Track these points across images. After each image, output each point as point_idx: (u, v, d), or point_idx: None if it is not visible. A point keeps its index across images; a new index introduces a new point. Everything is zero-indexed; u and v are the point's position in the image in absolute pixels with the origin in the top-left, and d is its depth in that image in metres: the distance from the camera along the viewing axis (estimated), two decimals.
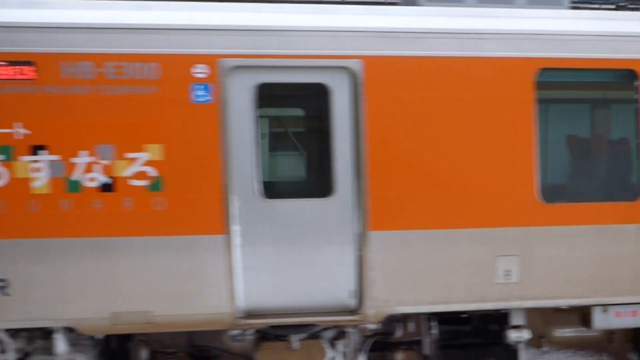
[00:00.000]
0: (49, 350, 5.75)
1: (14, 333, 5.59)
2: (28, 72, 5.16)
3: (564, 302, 5.98)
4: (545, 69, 5.71)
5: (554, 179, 6.03)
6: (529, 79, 5.67)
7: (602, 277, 5.83)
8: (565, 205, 5.85)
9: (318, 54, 5.43)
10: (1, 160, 5.17)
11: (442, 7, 6.07)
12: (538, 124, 5.72)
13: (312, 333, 5.89)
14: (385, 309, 5.69)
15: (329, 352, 5.95)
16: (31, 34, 5.18)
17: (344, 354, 6.02)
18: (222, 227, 5.38)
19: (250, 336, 5.96)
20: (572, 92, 6.29)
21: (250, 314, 5.58)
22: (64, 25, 5.21)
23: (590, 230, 5.77)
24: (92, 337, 5.75)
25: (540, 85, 5.72)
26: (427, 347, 6.21)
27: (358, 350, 6.09)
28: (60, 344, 5.52)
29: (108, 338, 5.90)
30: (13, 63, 5.15)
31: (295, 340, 5.84)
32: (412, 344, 6.23)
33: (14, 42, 5.16)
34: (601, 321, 6.13)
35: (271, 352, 5.84)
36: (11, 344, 5.57)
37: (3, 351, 5.61)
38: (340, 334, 6.04)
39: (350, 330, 6.00)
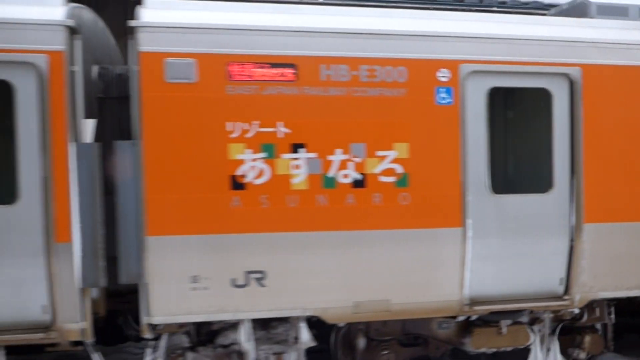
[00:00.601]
0: (270, 340, 6.03)
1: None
2: (288, 74, 5.44)
3: None
4: None
5: None
6: None
7: None
8: None
9: (543, 61, 5.91)
10: (264, 158, 5.44)
11: (614, 19, 6.64)
12: None
13: (516, 318, 6.36)
14: (589, 295, 6.23)
15: (531, 336, 6.44)
16: (292, 38, 5.46)
17: (541, 337, 6.53)
18: (459, 220, 5.80)
19: (453, 323, 6.38)
20: None
21: (473, 301, 6.01)
22: (323, 30, 5.51)
23: None
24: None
25: None
26: (607, 331, 6.79)
27: (550, 333, 6.61)
28: (305, 332, 5.80)
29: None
30: (275, 65, 5.43)
31: (504, 325, 6.30)
32: (593, 328, 6.79)
33: (275, 46, 5.43)
34: None
35: (484, 337, 6.28)
36: (255, 334, 5.82)
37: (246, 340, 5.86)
38: (534, 319, 6.54)
39: (545, 315, 6.50)
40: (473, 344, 6.31)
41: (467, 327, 6.35)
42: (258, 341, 6.02)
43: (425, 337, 6.52)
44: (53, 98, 5.10)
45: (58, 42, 5.11)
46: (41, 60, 5.07)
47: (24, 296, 5.22)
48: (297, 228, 5.53)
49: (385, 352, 6.38)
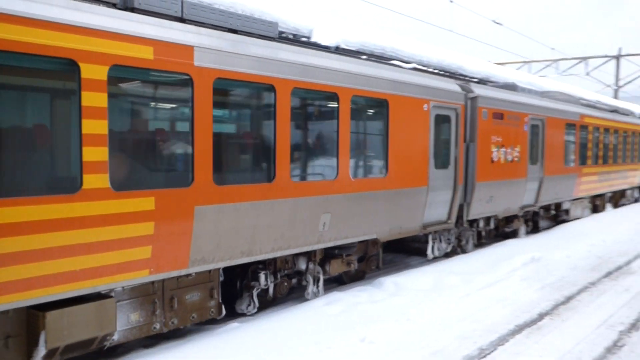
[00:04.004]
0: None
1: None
2: (499, 118, 13.76)
3: None
4: None
5: None
6: None
7: None
8: None
9: None
10: (497, 150, 13.63)
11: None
12: None
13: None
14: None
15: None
16: (523, 106, 13.77)
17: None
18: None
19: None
20: None
21: None
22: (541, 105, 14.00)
23: None
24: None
25: None
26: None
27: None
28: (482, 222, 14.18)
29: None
30: (499, 114, 13.68)
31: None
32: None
33: (508, 107, 13.68)
34: None
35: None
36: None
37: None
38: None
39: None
40: None
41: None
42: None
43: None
44: (462, 123, 12.24)
45: (463, 101, 12.27)
46: (459, 108, 12.16)
47: (442, 209, 12.14)
48: (501, 177, 13.88)
49: None
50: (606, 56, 42.37)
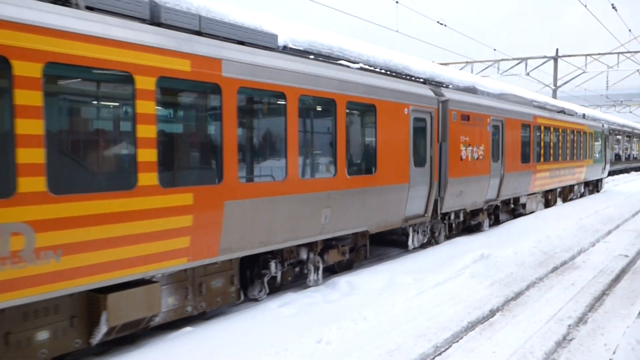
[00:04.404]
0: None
1: None
2: (466, 119, 15.10)
3: None
4: None
5: None
6: None
7: None
8: None
9: None
10: (465, 149, 14.94)
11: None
12: None
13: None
14: None
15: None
16: (486, 108, 15.11)
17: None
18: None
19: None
20: None
21: None
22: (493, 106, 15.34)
23: None
24: None
25: None
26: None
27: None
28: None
29: None
30: (465, 117, 15.01)
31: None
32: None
33: (471, 108, 15.00)
34: None
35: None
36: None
37: None
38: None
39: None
40: None
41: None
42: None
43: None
44: (435, 124, 13.48)
45: (436, 104, 13.51)
46: (433, 111, 13.39)
47: (420, 203, 13.34)
48: (469, 174, 15.19)
49: None
50: (545, 57, 44.94)
